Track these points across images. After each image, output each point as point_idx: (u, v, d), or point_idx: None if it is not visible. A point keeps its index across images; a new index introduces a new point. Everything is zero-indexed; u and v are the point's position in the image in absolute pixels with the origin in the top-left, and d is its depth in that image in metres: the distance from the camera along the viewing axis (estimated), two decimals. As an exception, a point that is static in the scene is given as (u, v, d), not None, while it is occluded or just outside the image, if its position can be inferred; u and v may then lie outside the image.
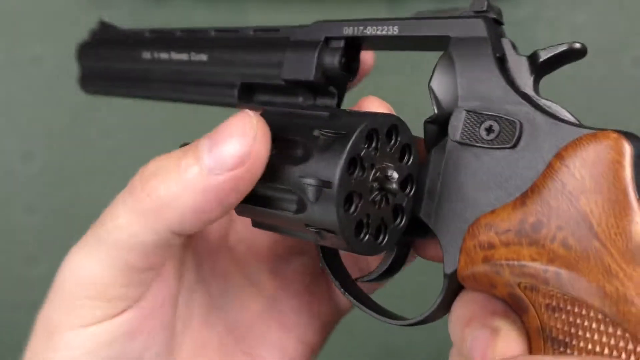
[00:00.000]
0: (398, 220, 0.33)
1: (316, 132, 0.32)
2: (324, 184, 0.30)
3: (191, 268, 0.37)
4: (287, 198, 0.32)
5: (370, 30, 0.35)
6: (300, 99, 0.37)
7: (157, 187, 0.30)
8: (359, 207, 0.31)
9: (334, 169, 0.30)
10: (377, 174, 0.32)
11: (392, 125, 0.32)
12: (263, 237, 0.39)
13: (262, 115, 0.34)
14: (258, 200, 0.33)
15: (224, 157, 0.30)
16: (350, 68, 0.36)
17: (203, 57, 0.40)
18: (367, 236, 0.32)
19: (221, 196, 0.30)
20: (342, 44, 0.35)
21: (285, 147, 0.32)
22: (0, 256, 0.86)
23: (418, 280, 0.55)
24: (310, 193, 0.31)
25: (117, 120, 0.86)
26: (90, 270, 0.31)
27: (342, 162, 0.30)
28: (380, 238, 0.33)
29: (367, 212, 0.32)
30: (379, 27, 0.34)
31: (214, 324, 0.37)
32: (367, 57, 0.37)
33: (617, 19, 0.76)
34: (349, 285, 0.36)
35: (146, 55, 0.43)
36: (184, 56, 0.41)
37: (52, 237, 0.90)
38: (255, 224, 0.35)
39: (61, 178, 0.86)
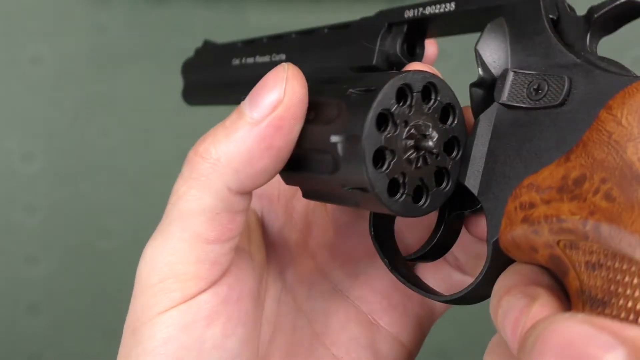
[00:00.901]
0: (444, 185, 0.32)
1: (349, 91, 0.32)
2: (352, 139, 0.30)
3: (276, 277, 0.38)
4: (324, 159, 0.32)
5: (429, 10, 0.35)
6: None
7: (208, 149, 0.32)
8: (391, 164, 0.31)
9: (361, 123, 0.30)
10: (412, 131, 0.31)
11: (428, 83, 0.32)
12: (342, 241, 0.39)
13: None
14: (300, 165, 0.33)
15: (263, 105, 0.32)
16: (415, 54, 0.37)
17: (282, 56, 0.42)
18: (403, 196, 0.31)
19: (268, 140, 0.31)
20: (404, 28, 0.36)
21: (321, 109, 0.33)
22: (0, 256, 0.86)
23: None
24: (340, 149, 0.31)
25: (117, 120, 0.86)
26: (162, 251, 0.32)
27: (369, 115, 0.30)
28: (423, 200, 0.32)
29: (403, 171, 0.31)
30: (437, 6, 0.35)
31: (303, 329, 0.37)
32: (431, 44, 0.38)
33: (617, 19, 0.75)
34: (398, 263, 0.36)
35: (235, 62, 0.45)
36: (266, 58, 0.43)
37: (52, 237, 0.90)
38: (306, 194, 0.35)
39: (61, 178, 0.86)
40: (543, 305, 0.26)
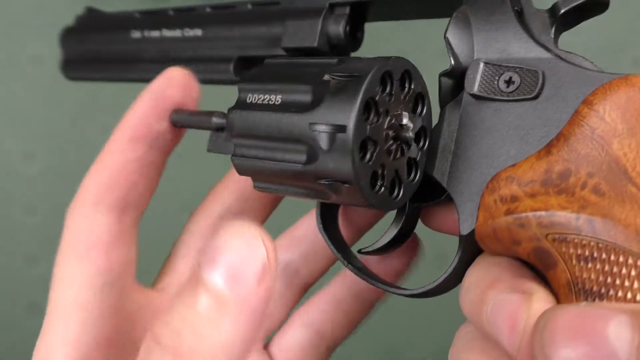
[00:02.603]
0: (412, 175, 0.31)
1: (326, 77, 0.30)
2: (338, 129, 0.29)
3: None
4: (296, 149, 0.30)
5: None
6: None
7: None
8: (374, 155, 0.30)
9: (349, 112, 0.28)
10: (392, 121, 0.30)
11: (405, 71, 0.31)
12: None
13: (265, 64, 0.33)
14: (260, 154, 0.32)
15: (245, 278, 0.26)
16: (356, 38, 0.35)
17: (197, 32, 0.39)
18: (382, 189, 0.30)
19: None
20: (347, 10, 0.34)
21: (292, 95, 0.31)
22: (0, 256, 0.86)
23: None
24: (323, 140, 0.29)
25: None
26: None
27: (357, 104, 0.28)
28: (395, 192, 0.31)
29: (382, 163, 0.30)
30: None
31: None
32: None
33: (617, 19, 0.76)
34: (351, 256, 0.35)
35: (136, 34, 0.41)
36: (177, 33, 0.39)
37: (52, 237, 0.89)
38: (259, 186, 0.33)
39: (61, 178, 0.86)
40: (542, 300, 0.27)
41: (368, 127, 0.29)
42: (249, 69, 0.37)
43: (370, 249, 0.35)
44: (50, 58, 0.86)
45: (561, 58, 0.29)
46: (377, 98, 0.29)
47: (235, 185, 0.39)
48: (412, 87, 0.31)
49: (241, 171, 0.33)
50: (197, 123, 0.36)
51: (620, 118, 0.27)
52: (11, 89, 0.85)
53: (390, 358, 0.83)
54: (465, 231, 0.30)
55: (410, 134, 0.31)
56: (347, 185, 0.29)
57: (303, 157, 0.30)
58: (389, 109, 0.30)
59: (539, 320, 0.24)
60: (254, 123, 0.32)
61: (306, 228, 0.39)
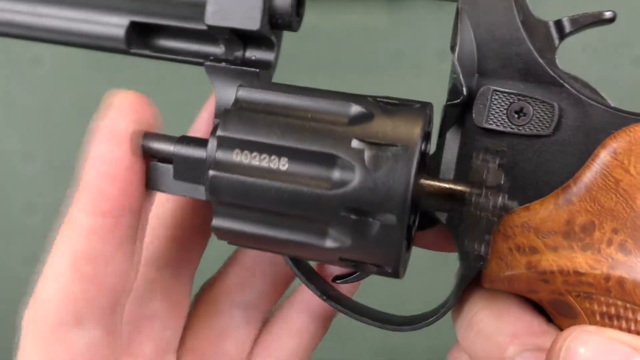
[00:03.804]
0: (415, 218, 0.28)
1: (356, 144, 0.25)
2: (385, 228, 0.24)
3: None
4: (313, 228, 0.26)
5: None
6: (222, 49, 0.29)
7: None
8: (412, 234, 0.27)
9: (398, 202, 0.24)
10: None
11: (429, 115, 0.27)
12: None
13: (244, 101, 0.27)
14: (268, 235, 0.26)
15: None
16: (299, 14, 0.29)
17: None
18: (407, 253, 0.27)
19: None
20: None
21: (306, 163, 0.25)
22: (0, 256, 0.86)
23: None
24: (366, 232, 0.25)
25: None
26: None
27: (409, 191, 0.24)
28: (408, 247, 0.28)
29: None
30: None
31: None
32: None
33: (618, 19, 0.75)
34: (327, 288, 0.32)
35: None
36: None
37: (52, 236, 0.89)
38: (233, 239, 0.28)
39: (61, 178, 0.86)
40: None
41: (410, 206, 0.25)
42: (148, 38, 0.30)
43: (349, 279, 0.32)
44: (50, 58, 0.86)
45: (574, 88, 0.27)
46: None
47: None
48: (428, 129, 0.27)
49: (227, 240, 0.29)
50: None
51: None
52: (11, 89, 0.85)
53: (390, 358, 0.83)
54: (469, 272, 0.28)
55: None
56: (379, 268, 0.26)
57: (330, 244, 0.26)
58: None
59: (562, 339, 0.25)
60: (253, 191, 0.26)
61: (254, 258, 0.36)
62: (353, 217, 0.24)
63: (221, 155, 0.26)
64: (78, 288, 0.29)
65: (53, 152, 0.85)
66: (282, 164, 0.25)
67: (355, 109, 0.25)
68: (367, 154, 0.24)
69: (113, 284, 0.29)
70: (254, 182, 0.25)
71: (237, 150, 0.26)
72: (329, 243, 0.25)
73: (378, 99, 0.26)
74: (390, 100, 0.26)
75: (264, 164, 0.25)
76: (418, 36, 0.64)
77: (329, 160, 0.25)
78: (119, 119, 0.28)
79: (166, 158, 0.28)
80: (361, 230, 0.25)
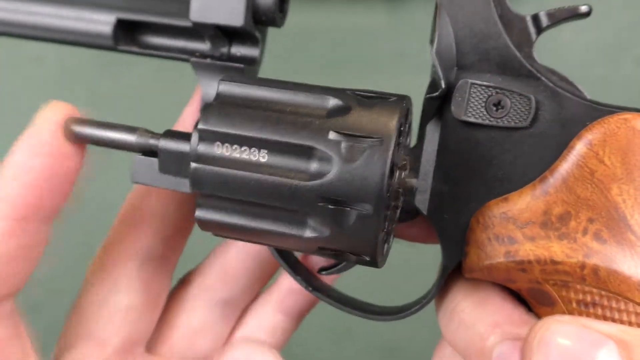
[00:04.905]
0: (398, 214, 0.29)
1: (333, 135, 0.25)
2: (362, 216, 0.25)
3: None
4: (293, 219, 0.26)
5: None
6: (208, 45, 0.30)
7: None
8: (387, 222, 0.26)
9: (372, 194, 0.24)
10: (398, 174, 0.27)
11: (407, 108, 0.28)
12: None
13: (225, 95, 0.27)
14: (250, 226, 0.27)
15: None
16: (284, 10, 0.30)
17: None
18: (385, 247, 0.28)
19: None
20: None
21: (283, 154, 0.26)
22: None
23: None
24: (343, 220, 0.25)
25: (118, 120, 0.86)
26: None
27: (384, 182, 0.25)
28: (388, 244, 0.29)
29: (390, 221, 0.27)
30: None
31: None
32: None
33: (618, 19, 0.76)
34: (311, 279, 0.32)
35: None
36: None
37: (52, 237, 0.89)
38: (216, 230, 0.28)
39: (61, 178, 0.86)
40: None
41: (388, 195, 0.26)
42: (135, 35, 0.31)
43: (333, 270, 0.32)
44: (50, 58, 0.86)
45: (551, 81, 0.27)
46: (395, 160, 0.26)
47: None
48: (407, 123, 0.28)
49: (210, 231, 0.29)
50: (111, 141, 0.32)
51: (619, 162, 0.26)
52: (13, 89, 0.85)
53: (390, 358, 0.83)
54: (450, 262, 0.28)
55: (415, 183, 0.28)
56: (357, 257, 0.27)
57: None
58: (397, 161, 0.27)
59: (535, 330, 0.25)
60: (234, 183, 0.26)
61: (236, 258, 0.36)
62: (331, 207, 0.25)
63: (203, 148, 0.27)
64: None
65: (53, 152, 0.85)
66: (262, 156, 0.26)
67: (333, 102, 0.26)
68: (343, 146, 0.25)
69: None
70: (235, 174, 0.26)
71: (218, 143, 0.27)
72: (308, 233, 0.26)
73: (356, 92, 0.27)
74: (368, 94, 0.26)
75: (244, 156, 0.26)
76: (418, 36, 0.64)
77: (307, 152, 0.25)
78: (41, 129, 0.31)
79: (150, 151, 0.30)
80: (339, 220, 0.25)
